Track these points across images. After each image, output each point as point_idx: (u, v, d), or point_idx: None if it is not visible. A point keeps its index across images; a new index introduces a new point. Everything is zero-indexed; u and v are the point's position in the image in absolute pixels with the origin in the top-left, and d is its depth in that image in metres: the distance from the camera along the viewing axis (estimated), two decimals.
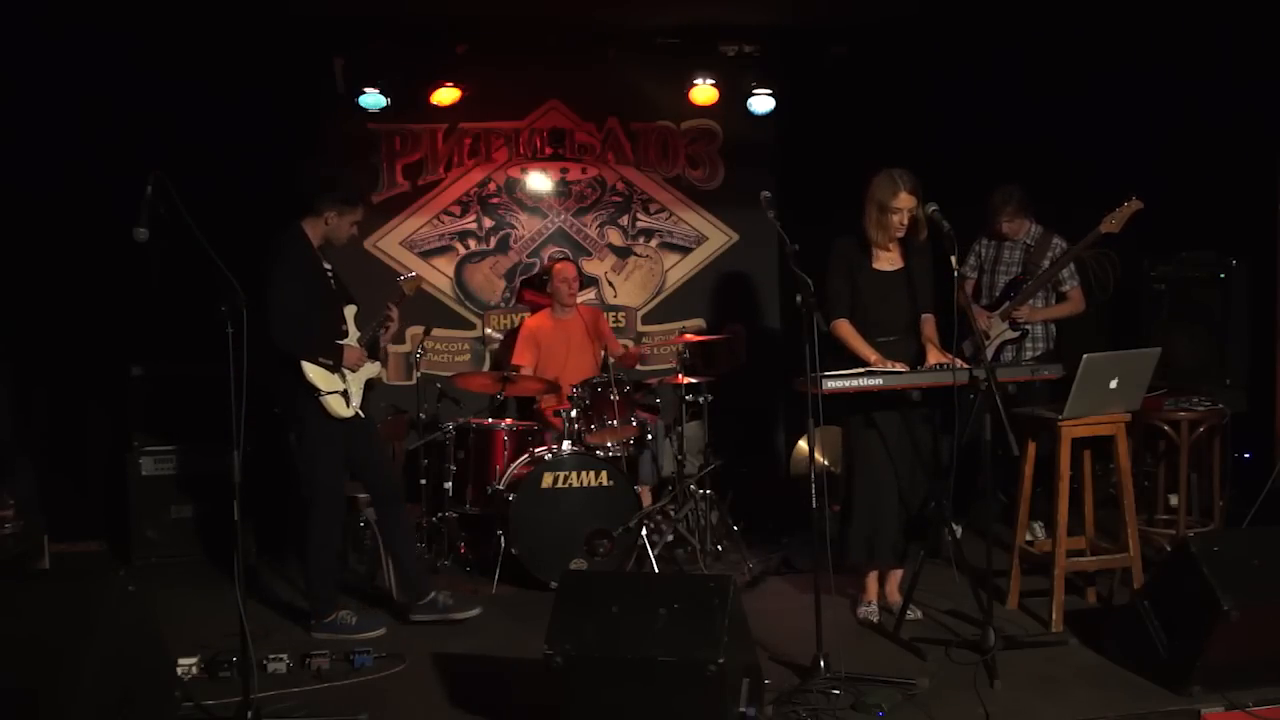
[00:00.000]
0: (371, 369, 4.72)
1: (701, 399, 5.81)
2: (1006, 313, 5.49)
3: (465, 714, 3.81)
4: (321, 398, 4.44)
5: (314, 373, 4.45)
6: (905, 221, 4.40)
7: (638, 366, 6.64)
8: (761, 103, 6.59)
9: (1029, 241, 5.57)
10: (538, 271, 6.76)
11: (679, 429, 5.79)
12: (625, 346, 6.49)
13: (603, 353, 6.21)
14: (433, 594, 4.71)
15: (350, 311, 4.70)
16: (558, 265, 6.35)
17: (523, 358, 6.22)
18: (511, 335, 6.54)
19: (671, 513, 5.64)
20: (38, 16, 5.38)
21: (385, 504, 4.84)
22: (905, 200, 4.36)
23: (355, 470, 4.73)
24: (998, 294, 5.61)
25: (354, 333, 4.68)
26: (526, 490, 5.17)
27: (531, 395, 6.12)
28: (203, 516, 5.84)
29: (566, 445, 5.30)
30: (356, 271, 6.28)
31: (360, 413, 4.62)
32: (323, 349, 4.46)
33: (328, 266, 4.65)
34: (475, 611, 4.69)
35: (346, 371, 4.56)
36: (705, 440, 5.96)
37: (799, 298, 3.92)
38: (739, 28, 6.47)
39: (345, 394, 4.53)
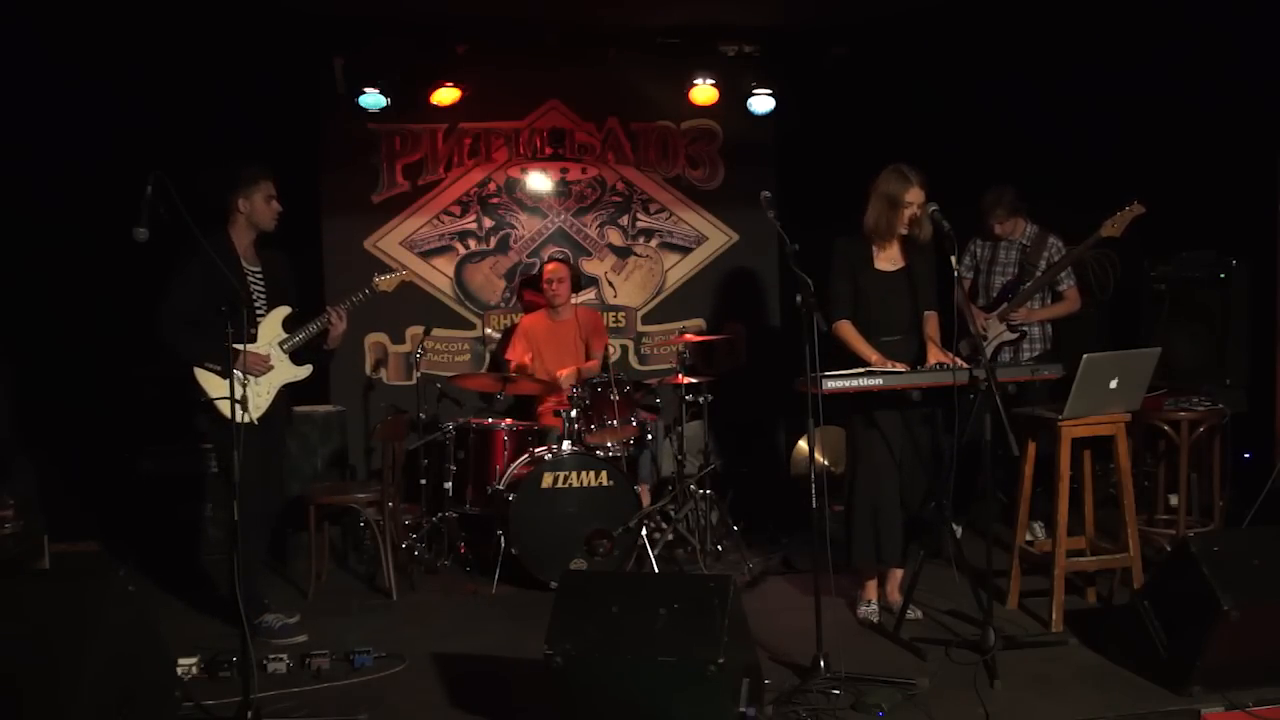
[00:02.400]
0: (291, 373, 4.58)
1: (701, 399, 5.81)
2: (1004, 314, 5.49)
3: (465, 714, 3.81)
4: (213, 401, 4.33)
5: (201, 376, 4.38)
6: (913, 216, 4.40)
7: (639, 366, 6.64)
8: (761, 103, 6.59)
9: (1025, 242, 5.57)
10: (537, 272, 6.77)
11: (679, 429, 5.79)
12: (598, 356, 6.39)
13: (602, 354, 6.21)
14: (263, 617, 4.59)
15: (279, 314, 4.57)
16: (547, 266, 6.36)
17: (513, 353, 6.24)
18: (507, 333, 6.54)
19: (671, 513, 5.65)
20: (38, 16, 5.38)
21: (256, 518, 4.59)
22: (916, 195, 4.38)
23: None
24: (994, 295, 5.61)
25: (273, 336, 4.54)
26: (526, 490, 5.16)
27: (532, 395, 6.12)
28: (202, 516, 5.83)
29: (566, 445, 5.30)
30: (358, 272, 6.34)
31: (255, 420, 4.40)
32: (209, 354, 4.30)
33: (253, 267, 4.53)
34: (301, 639, 4.50)
35: (249, 377, 4.41)
36: (705, 440, 5.96)
37: (799, 298, 3.92)
38: (739, 28, 6.47)
39: (243, 400, 4.28)
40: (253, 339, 4.49)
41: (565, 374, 6.00)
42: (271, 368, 4.52)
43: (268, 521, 4.73)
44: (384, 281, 4.88)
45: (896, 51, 6.43)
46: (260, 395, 4.50)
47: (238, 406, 4.26)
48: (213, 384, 4.40)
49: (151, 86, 5.88)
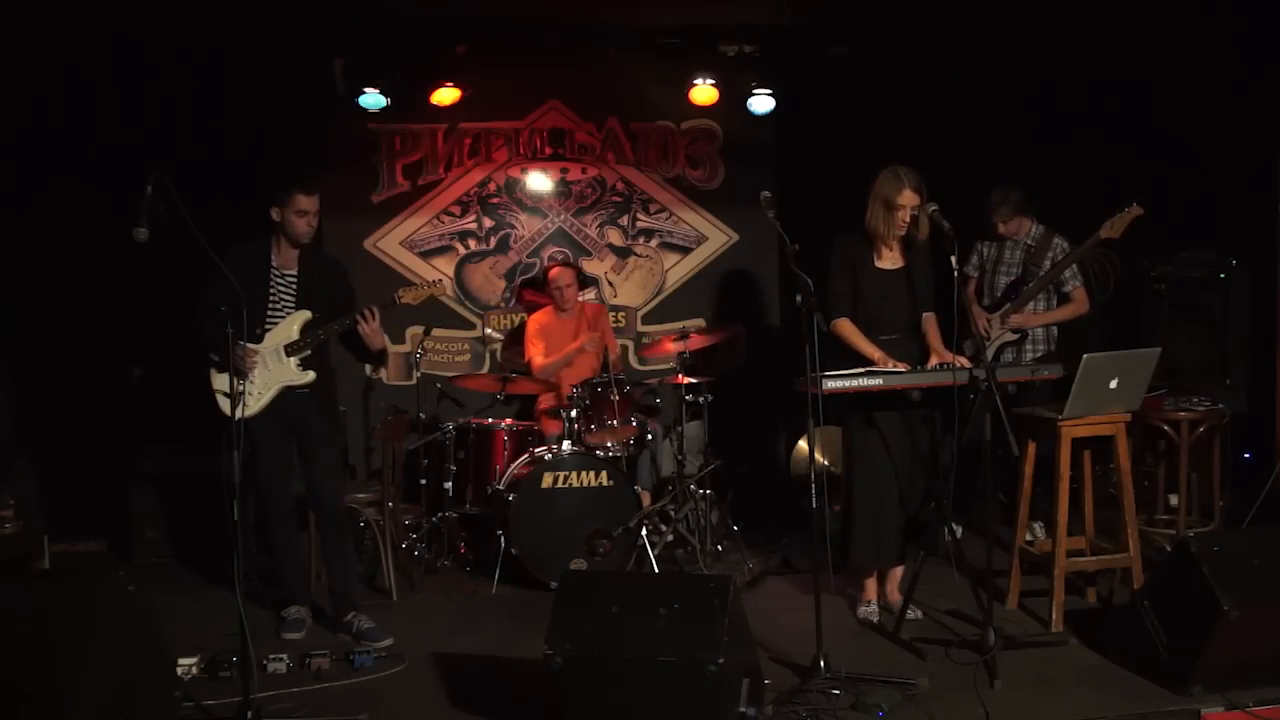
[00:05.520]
0: (290, 376, 4.51)
1: (701, 399, 5.81)
2: (1005, 315, 5.49)
3: (465, 714, 3.81)
4: (215, 393, 4.48)
5: (213, 371, 4.50)
6: (908, 219, 4.41)
7: (639, 366, 6.62)
8: (761, 103, 6.58)
9: (1030, 242, 5.57)
10: (537, 272, 6.76)
11: (679, 429, 5.79)
12: (615, 353, 6.43)
13: (604, 351, 6.19)
14: (350, 615, 4.61)
15: (297, 318, 4.54)
16: (551, 272, 6.31)
17: (536, 348, 6.15)
18: (516, 334, 6.51)
19: (671, 513, 5.64)
20: (37, 15, 5.38)
21: (320, 519, 4.80)
22: (909, 198, 4.37)
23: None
24: (999, 295, 5.61)
25: (283, 338, 4.51)
26: (526, 490, 5.17)
27: (532, 394, 6.11)
28: (202, 516, 5.83)
29: (566, 445, 5.31)
30: (358, 272, 6.32)
31: (235, 417, 4.22)
32: (210, 344, 4.38)
33: (288, 271, 4.55)
34: (387, 641, 4.46)
35: (249, 374, 4.43)
36: (705, 440, 5.96)
37: (799, 298, 3.92)
38: (739, 28, 6.47)
39: (237, 396, 4.26)
40: (257, 339, 4.50)
41: (587, 338, 6.02)
42: (255, 365, 4.48)
43: (333, 519, 4.73)
44: (407, 294, 4.74)
45: (896, 51, 6.42)
46: (252, 395, 4.50)
47: (227, 401, 4.41)
48: (216, 378, 4.51)
49: (152, 86, 5.88)
